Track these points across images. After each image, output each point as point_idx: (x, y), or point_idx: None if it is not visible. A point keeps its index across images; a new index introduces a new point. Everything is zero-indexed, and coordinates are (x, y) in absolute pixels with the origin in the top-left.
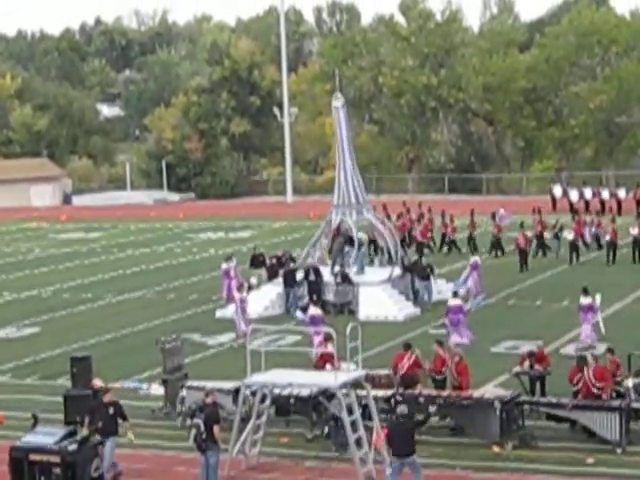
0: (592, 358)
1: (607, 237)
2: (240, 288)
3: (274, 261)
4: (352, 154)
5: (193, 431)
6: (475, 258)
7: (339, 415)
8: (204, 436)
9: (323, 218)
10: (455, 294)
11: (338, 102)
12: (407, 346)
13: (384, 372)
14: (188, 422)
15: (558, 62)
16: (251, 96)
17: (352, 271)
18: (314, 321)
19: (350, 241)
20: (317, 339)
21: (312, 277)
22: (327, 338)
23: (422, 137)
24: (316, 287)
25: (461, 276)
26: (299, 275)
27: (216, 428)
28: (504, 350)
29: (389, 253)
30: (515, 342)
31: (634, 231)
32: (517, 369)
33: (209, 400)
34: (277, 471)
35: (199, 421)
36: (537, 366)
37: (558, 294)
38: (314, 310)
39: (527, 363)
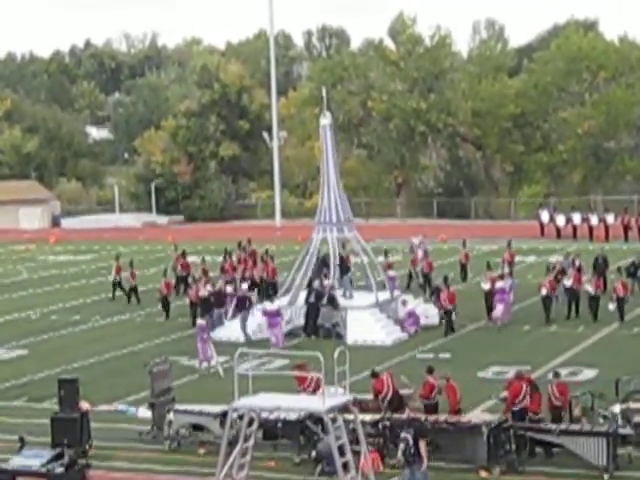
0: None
1: (544, 291)
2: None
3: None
4: (337, 173)
5: (401, 445)
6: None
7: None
8: (412, 450)
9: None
10: (501, 277)
11: (326, 120)
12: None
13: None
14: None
15: (547, 87)
16: (240, 120)
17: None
18: (267, 314)
19: (341, 264)
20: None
21: (312, 299)
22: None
23: (411, 161)
24: (314, 309)
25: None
26: (301, 296)
27: (422, 443)
28: (492, 375)
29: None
30: (503, 367)
31: (568, 282)
32: (505, 394)
33: None
34: None
35: (408, 435)
36: None
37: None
38: (270, 306)
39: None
